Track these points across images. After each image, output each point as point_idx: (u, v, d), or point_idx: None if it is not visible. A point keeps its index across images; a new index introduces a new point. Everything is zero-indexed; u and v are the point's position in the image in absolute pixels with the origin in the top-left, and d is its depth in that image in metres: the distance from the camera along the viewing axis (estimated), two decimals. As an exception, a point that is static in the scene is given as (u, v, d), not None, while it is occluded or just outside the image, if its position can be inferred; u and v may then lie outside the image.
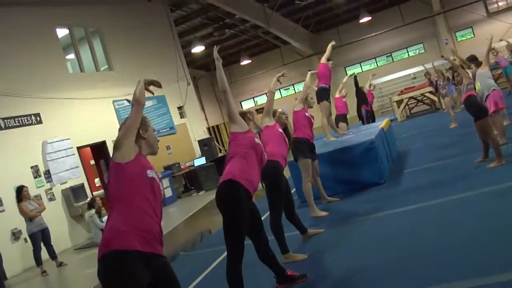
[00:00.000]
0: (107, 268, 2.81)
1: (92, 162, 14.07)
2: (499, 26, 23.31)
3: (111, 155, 3.12)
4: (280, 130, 5.70)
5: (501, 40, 18.07)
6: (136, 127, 3.08)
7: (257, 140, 4.35)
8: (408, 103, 20.32)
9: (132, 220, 2.87)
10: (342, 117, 11.66)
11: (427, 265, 4.07)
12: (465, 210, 5.27)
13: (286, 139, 5.69)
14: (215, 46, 4.62)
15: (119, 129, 3.09)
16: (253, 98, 30.73)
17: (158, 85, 3.29)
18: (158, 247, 2.96)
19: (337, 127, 10.41)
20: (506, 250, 3.88)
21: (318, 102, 8.95)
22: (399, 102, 19.11)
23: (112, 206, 2.97)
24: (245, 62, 26.40)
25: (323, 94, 8.92)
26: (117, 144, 3.04)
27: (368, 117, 13.47)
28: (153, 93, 3.28)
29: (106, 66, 14.69)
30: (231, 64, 28.89)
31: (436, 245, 4.44)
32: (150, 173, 3.04)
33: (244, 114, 4.60)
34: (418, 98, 20.22)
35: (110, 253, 2.79)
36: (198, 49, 20.64)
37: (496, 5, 24.38)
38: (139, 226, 2.87)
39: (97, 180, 14.10)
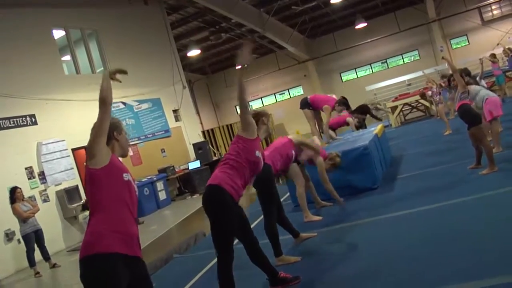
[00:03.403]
0: (90, 271, 2.87)
1: (87, 164, 14.04)
2: (494, 34, 23.50)
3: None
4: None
5: (498, 44, 18.25)
6: (105, 129, 3.04)
7: (258, 153, 4.36)
8: (403, 109, 20.43)
9: (113, 224, 2.93)
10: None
11: (418, 270, 4.11)
12: (457, 216, 5.31)
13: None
14: (243, 66, 4.60)
15: (90, 133, 3.04)
16: (248, 102, 30.68)
17: (123, 72, 3.17)
18: (137, 250, 3.04)
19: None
20: (496, 254, 3.93)
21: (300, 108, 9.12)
22: (394, 108, 19.21)
23: (91, 211, 3.01)
24: (240, 66, 26.42)
25: (304, 104, 9.04)
26: (89, 150, 3.02)
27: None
28: (119, 81, 3.15)
29: (102, 68, 14.70)
30: (227, 68, 28.94)
31: (428, 250, 4.49)
32: (126, 176, 3.08)
33: (259, 116, 4.68)
34: (412, 104, 20.33)
35: (93, 256, 2.85)
36: (194, 52, 20.67)
37: (490, 14, 24.58)
38: (119, 230, 2.93)
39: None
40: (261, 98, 30.07)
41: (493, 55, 15.32)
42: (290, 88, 29.66)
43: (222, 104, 30.13)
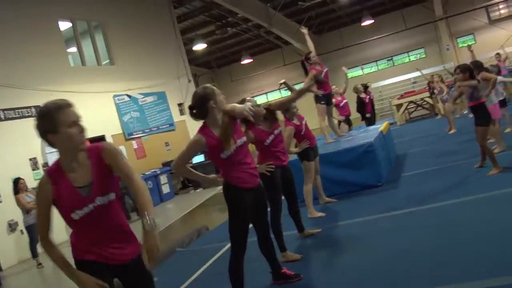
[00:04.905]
0: None
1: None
2: (501, 33, 23.36)
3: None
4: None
5: (502, 46, 18.11)
6: None
7: (224, 154, 4.01)
8: (408, 107, 20.35)
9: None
10: (344, 119, 11.71)
11: (422, 266, 4.09)
12: (460, 215, 5.28)
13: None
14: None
15: None
16: (253, 97, 30.72)
17: None
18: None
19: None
20: (496, 254, 3.90)
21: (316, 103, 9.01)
22: (399, 106, 19.14)
23: None
24: (246, 61, 26.38)
25: (317, 97, 8.93)
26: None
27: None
28: None
29: (108, 60, 14.70)
30: (232, 62, 28.92)
31: (431, 247, 4.47)
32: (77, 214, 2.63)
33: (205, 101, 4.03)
34: (417, 102, 20.25)
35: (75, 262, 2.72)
36: (199, 46, 20.65)
37: (498, 13, 24.43)
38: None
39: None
40: (266, 93, 30.03)
41: (498, 55, 15.23)
42: (296, 84, 29.57)
43: (227, 98, 29.91)
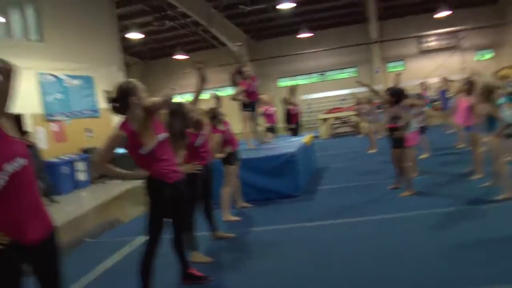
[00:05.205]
0: None
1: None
2: (428, 64, 24.53)
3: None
4: None
5: (425, 78, 18.92)
6: None
7: (142, 150, 4.07)
8: (334, 122, 20.93)
9: None
10: (269, 127, 11.84)
11: (332, 278, 4.22)
12: (369, 232, 5.52)
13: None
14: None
15: None
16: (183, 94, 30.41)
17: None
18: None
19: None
20: (391, 273, 4.10)
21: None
22: (325, 120, 19.64)
23: None
24: (180, 57, 26.00)
25: (244, 105, 9.06)
26: None
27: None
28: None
29: (37, 36, 14.07)
30: (168, 56, 28.44)
31: (342, 260, 4.63)
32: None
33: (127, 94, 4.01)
34: (343, 119, 20.87)
35: None
36: (135, 35, 20.20)
37: (427, 44, 25.62)
38: None
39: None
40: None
41: (423, 84, 15.89)
42: (225, 87, 29.57)
43: (159, 92, 29.47)
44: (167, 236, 4.29)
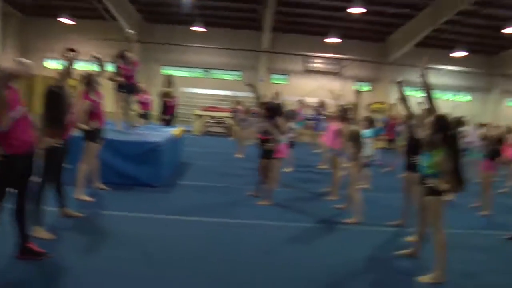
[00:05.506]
0: None
1: None
2: (311, 83, 25.71)
3: None
4: None
5: (301, 97, 19.77)
6: None
7: None
8: (208, 121, 21.16)
9: None
10: (143, 114, 11.73)
11: (171, 271, 4.32)
12: (226, 234, 5.74)
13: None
14: None
15: None
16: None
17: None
18: None
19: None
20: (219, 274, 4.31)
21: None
22: (200, 117, 19.79)
23: None
24: (64, 20, 24.48)
25: (119, 86, 8.95)
26: None
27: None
28: None
29: None
30: (52, 16, 26.68)
31: (169, 257, 4.79)
32: None
33: None
34: (218, 119, 21.19)
35: None
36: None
37: (313, 65, 26.79)
38: None
39: None
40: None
41: (300, 102, 16.58)
42: (107, 62, 28.53)
43: (32, 53, 27.49)
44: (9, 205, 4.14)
